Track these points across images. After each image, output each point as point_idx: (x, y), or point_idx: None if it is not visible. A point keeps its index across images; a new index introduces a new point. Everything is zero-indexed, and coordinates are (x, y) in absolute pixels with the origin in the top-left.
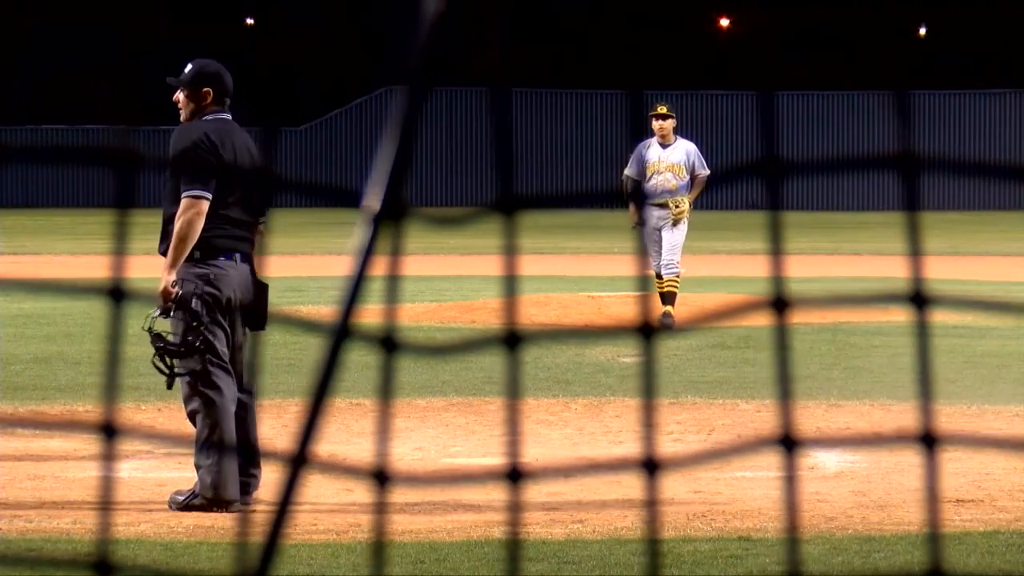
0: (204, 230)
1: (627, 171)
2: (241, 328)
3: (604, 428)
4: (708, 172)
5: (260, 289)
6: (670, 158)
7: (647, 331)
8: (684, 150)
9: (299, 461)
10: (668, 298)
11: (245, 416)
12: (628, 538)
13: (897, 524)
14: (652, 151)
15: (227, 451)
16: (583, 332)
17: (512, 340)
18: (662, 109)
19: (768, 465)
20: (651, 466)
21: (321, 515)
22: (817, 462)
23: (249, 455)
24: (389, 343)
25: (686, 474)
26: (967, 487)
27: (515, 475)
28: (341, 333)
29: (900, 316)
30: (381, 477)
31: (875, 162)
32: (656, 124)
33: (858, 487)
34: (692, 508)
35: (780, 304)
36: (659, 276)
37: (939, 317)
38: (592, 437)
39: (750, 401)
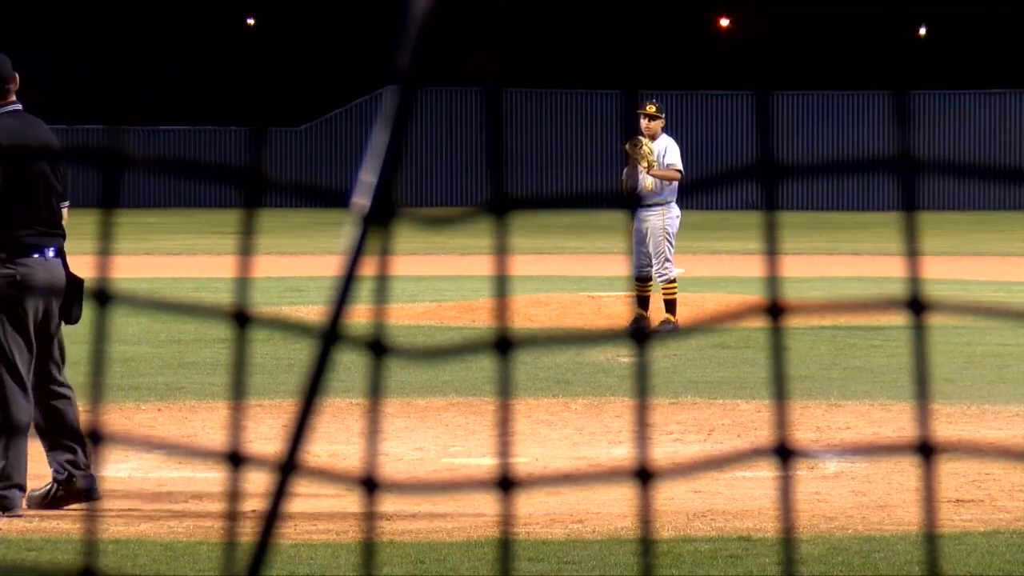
0: (11, 228)
1: (624, 172)
2: (56, 322)
3: (604, 428)
4: (679, 168)
5: (73, 283)
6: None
7: (640, 336)
8: (663, 145)
9: (288, 468)
10: (669, 305)
11: (68, 407)
12: (628, 538)
13: (897, 524)
14: None
15: None
16: (576, 337)
17: (503, 345)
18: (651, 109)
19: (768, 465)
20: (644, 476)
21: (321, 515)
22: (817, 462)
23: (77, 443)
24: (378, 347)
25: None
26: (967, 487)
27: (506, 484)
28: (331, 337)
29: (900, 317)
30: (370, 485)
31: (873, 164)
32: (643, 123)
33: (858, 487)
34: (692, 508)
35: (777, 310)
36: (639, 280)
37: (939, 317)
38: (592, 437)
39: (750, 401)
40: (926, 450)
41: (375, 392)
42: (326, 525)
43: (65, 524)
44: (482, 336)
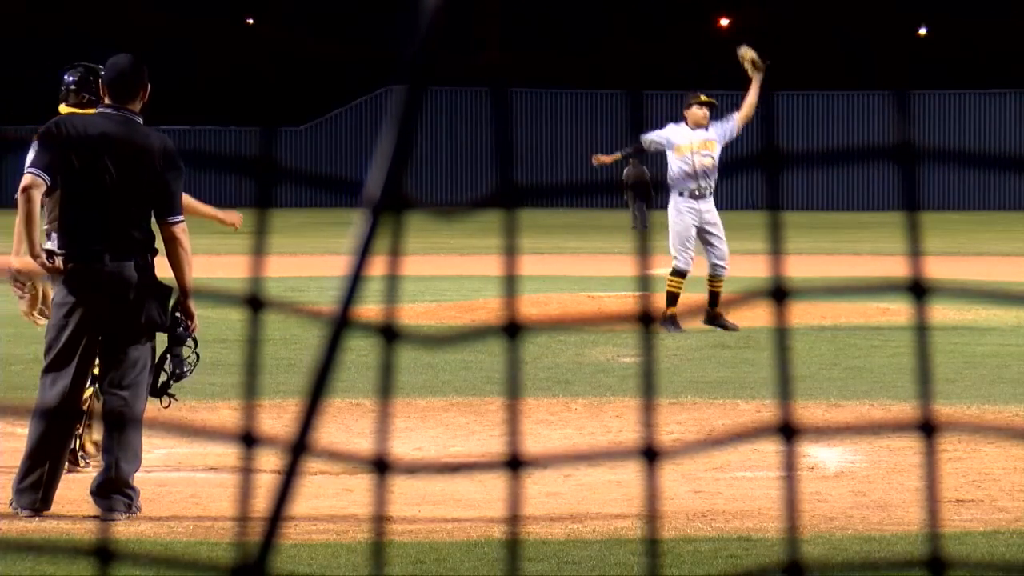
0: (70, 232)
1: (649, 136)
2: (98, 330)
3: (604, 428)
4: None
5: (157, 291)
6: (703, 136)
7: (646, 323)
8: (717, 127)
9: (299, 448)
10: (715, 298)
11: (107, 410)
12: (628, 538)
13: (897, 524)
14: (681, 135)
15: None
16: (582, 324)
17: (511, 330)
18: (710, 99)
19: (768, 465)
20: (650, 455)
21: (321, 515)
22: (817, 462)
23: (107, 445)
24: (389, 332)
25: (686, 474)
26: (967, 487)
27: (515, 463)
28: (342, 321)
29: (900, 317)
30: (381, 466)
31: (872, 153)
32: (701, 111)
33: (858, 487)
34: (692, 508)
35: (780, 293)
36: (680, 274)
37: (939, 317)
38: (592, 437)
39: (750, 401)
40: (928, 429)
41: (386, 374)
42: (326, 525)
43: (65, 524)
44: (486, 325)
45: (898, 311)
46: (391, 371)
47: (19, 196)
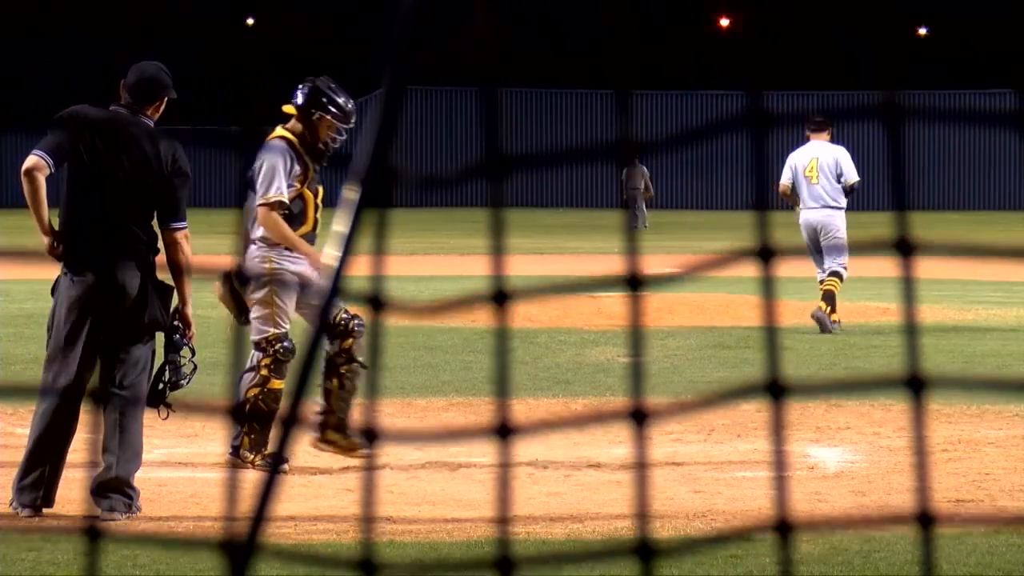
0: (74, 230)
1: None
2: (97, 331)
3: (604, 428)
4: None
5: (158, 291)
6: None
7: (633, 283)
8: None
9: (291, 421)
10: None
11: (110, 410)
12: (628, 538)
13: (897, 524)
14: None
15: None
16: (568, 287)
17: (500, 297)
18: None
19: (768, 465)
20: (640, 416)
21: (321, 515)
22: (817, 462)
23: (108, 446)
24: (377, 302)
25: (686, 474)
26: (967, 487)
27: (504, 431)
28: (332, 292)
29: (899, 317)
30: (370, 435)
31: (859, 112)
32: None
33: (858, 487)
34: (692, 508)
35: (768, 252)
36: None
37: (939, 316)
38: (592, 437)
39: (750, 401)
40: (916, 384)
41: (375, 343)
42: (326, 525)
43: (65, 524)
44: (474, 293)
45: (898, 311)
46: (379, 339)
47: (22, 177)
